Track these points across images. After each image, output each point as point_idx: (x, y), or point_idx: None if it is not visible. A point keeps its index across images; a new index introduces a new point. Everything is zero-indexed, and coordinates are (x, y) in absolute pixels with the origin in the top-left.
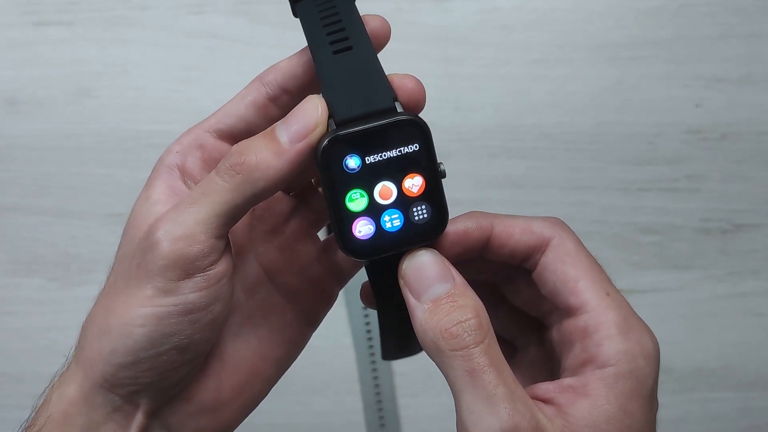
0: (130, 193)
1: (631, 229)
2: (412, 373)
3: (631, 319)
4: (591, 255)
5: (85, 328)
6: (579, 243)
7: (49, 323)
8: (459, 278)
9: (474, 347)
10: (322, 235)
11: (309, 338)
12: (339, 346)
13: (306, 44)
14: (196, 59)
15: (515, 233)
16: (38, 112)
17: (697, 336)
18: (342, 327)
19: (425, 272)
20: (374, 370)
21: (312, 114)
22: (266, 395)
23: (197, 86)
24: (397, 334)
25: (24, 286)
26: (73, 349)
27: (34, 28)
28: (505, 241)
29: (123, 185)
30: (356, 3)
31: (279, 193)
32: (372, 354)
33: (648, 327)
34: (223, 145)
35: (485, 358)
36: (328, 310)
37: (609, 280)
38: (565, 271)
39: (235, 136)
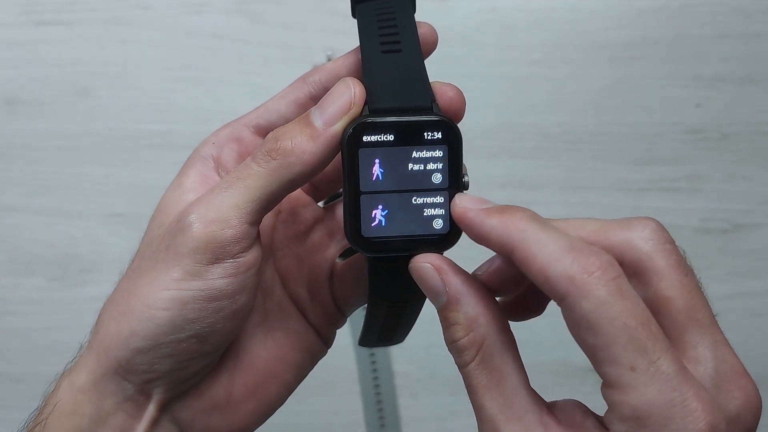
0: (130, 193)
1: None
2: (412, 373)
3: (661, 401)
4: (628, 306)
5: (102, 312)
6: (608, 296)
7: (49, 323)
8: (453, 287)
9: (464, 368)
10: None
11: (325, 350)
12: (339, 346)
13: (352, 49)
14: (196, 59)
15: (531, 272)
16: (38, 112)
17: None
18: (342, 327)
19: (423, 286)
20: (374, 370)
21: (345, 95)
22: (283, 401)
23: (197, 86)
24: (381, 328)
25: (23, 286)
26: (88, 336)
27: (33, 27)
28: (527, 274)
29: (123, 185)
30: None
31: (307, 199)
32: (372, 354)
33: (702, 406)
34: (261, 141)
35: (476, 378)
36: (334, 330)
37: (646, 345)
38: (582, 337)
39: None
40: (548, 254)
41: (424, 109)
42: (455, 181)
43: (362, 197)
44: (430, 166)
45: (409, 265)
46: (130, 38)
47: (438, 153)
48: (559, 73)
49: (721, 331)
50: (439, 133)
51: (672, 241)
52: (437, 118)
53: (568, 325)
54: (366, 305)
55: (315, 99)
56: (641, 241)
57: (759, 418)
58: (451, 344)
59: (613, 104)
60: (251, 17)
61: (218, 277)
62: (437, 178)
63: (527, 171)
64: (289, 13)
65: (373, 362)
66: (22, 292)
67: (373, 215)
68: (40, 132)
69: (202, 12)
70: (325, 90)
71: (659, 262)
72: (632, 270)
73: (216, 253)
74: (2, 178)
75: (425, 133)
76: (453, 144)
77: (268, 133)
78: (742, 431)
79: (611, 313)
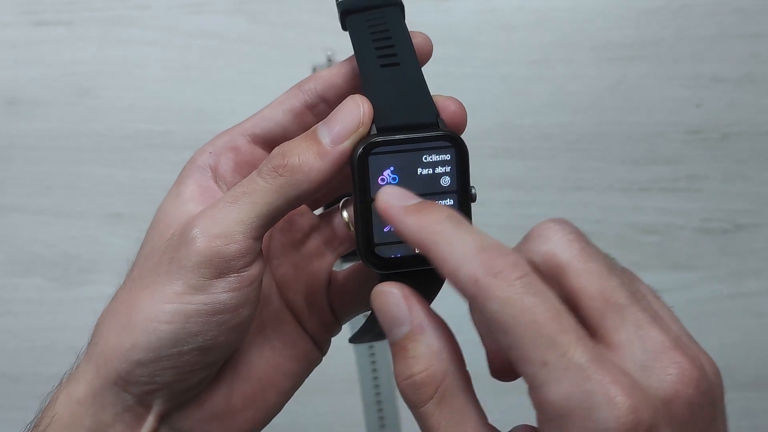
0: (129, 193)
1: (631, 229)
2: None
3: (578, 394)
4: (534, 303)
5: (100, 323)
6: (512, 295)
7: (49, 323)
8: (418, 315)
9: (422, 407)
10: (337, 266)
11: (320, 358)
12: (339, 347)
13: (347, 57)
14: (195, 59)
15: (445, 275)
16: (38, 112)
17: (698, 336)
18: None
19: (384, 314)
20: (374, 370)
21: (354, 114)
22: (280, 409)
23: (197, 86)
24: (376, 333)
25: (23, 286)
26: (85, 346)
27: (33, 27)
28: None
29: (122, 185)
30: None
31: (302, 207)
32: (372, 354)
33: (622, 391)
34: (257, 150)
35: (434, 419)
36: (329, 338)
37: (555, 339)
38: (497, 339)
39: (270, 141)
40: (457, 256)
41: (430, 124)
42: (463, 195)
43: (373, 218)
44: (439, 182)
45: (373, 291)
46: (130, 38)
47: (446, 168)
48: (559, 73)
49: (645, 309)
50: (447, 152)
51: (574, 231)
52: (444, 133)
53: (487, 327)
54: (365, 313)
55: (310, 107)
56: (542, 243)
57: (702, 390)
58: (407, 379)
59: (613, 104)
60: (251, 17)
61: (222, 291)
62: (445, 198)
63: (527, 171)
64: (289, 13)
65: (373, 362)
66: (22, 292)
67: (384, 229)
68: (40, 132)
69: (202, 12)
70: (319, 98)
71: (563, 255)
72: (549, 275)
73: (220, 268)
74: (2, 178)
75: (433, 149)
76: (461, 158)
77: (264, 141)
78: (684, 406)
79: (516, 311)
